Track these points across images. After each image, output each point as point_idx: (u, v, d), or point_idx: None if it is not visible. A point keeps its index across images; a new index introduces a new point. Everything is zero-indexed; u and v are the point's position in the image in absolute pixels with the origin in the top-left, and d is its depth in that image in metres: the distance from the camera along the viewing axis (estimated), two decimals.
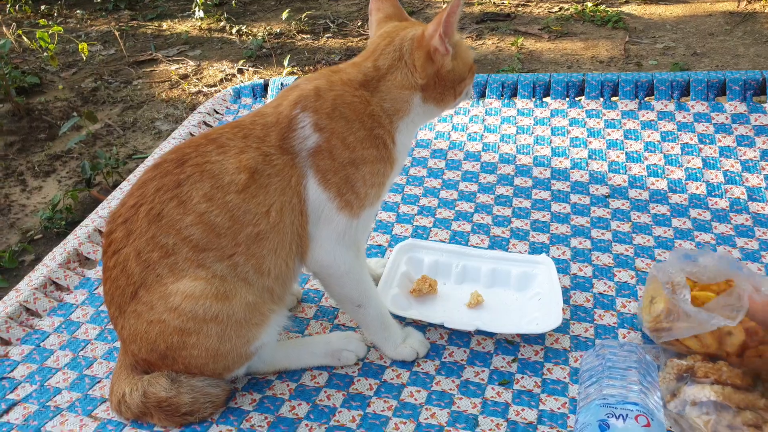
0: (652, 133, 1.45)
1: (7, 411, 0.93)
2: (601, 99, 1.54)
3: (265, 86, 1.78)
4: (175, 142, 1.55)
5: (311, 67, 3.86)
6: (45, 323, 1.09)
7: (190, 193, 0.82)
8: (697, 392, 0.85)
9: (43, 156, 3.17)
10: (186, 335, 0.82)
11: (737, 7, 3.98)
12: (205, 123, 1.65)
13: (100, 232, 1.28)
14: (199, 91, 3.73)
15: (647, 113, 1.49)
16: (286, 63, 3.86)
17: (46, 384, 0.98)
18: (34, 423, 0.91)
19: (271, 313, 0.88)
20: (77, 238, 1.24)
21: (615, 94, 1.54)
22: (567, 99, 1.56)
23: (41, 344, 1.05)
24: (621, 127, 1.47)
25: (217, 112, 1.71)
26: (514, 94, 1.61)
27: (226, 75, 3.89)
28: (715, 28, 3.73)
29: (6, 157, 3.18)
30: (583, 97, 1.56)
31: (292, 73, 3.77)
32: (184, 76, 3.96)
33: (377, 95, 0.89)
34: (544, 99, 1.58)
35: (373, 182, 0.89)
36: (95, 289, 1.16)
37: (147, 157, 3.01)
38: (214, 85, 3.77)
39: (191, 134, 1.59)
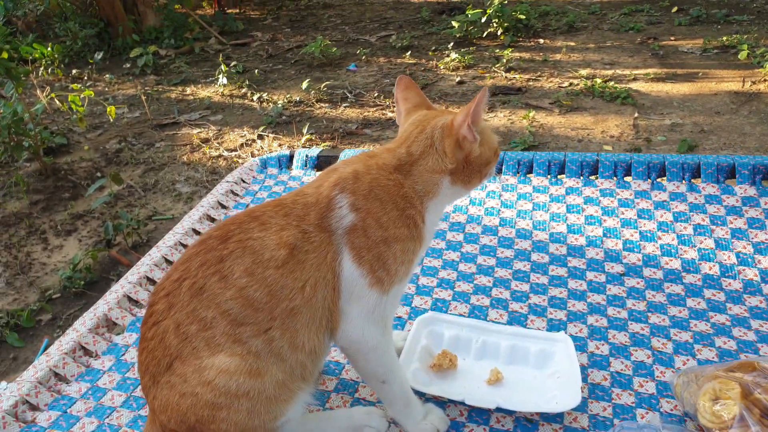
0: (664, 213, 1.49)
1: None
2: (615, 179, 1.59)
3: (291, 157, 1.85)
4: (203, 210, 1.61)
5: (329, 135, 3.99)
6: (73, 389, 1.11)
7: (232, 267, 0.86)
8: None
9: (65, 215, 3.26)
10: (217, 409, 0.84)
11: (742, 87, 4.11)
12: (232, 191, 1.71)
13: (129, 298, 1.32)
14: (220, 155, 3.85)
15: (659, 193, 1.54)
16: (305, 130, 4.00)
17: None
18: None
19: (299, 390, 0.91)
20: (107, 303, 1.28)
21: (628, 174, 1.60)
22: (581, 177, 1.62)
23: (68, 410, 1.07)
24: (634, 207, 1.52)
25: (244, 182, 1.78)
26: (529, 171, 1.67)
27: (247, 140, 4.02)
28: (721, 107, 3.85)
29: (30, 216, 3.27)
30: (596, 176, 1.61)
31: (311, 140, 3.90)
32: (206, 140, 4.10)
33: (410, 178, 0.94)
34: (559, 177, 1.64)
35: (403, 259, 0.93)
36: (122, 355, 1.19)
37: (169, 218, 3.09)
38: (235, 150, 3.90)
39: (219, 202, 1.66)
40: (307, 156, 1.83)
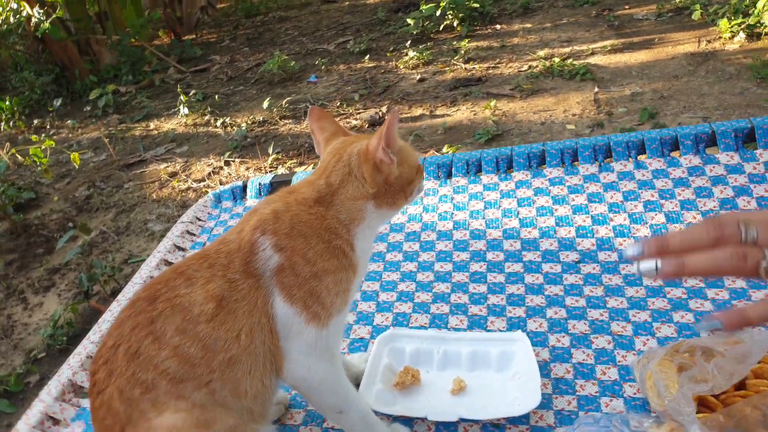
0: (614, 193, 1.50)
1: None
2: (563, 166, 1.60)
3: (244, 187, 1.85)
4: (160, 255, 1.61)
5: (295, 152, 3.98)
6: None
7: (164, 328, 0.85)
8: None
9: (42, 271, 3.24)
10: None
11: (698, 47, 4.14)
12: (188, 232, 1.71)
13: (92, 358, 1.31)
14: (189, 188, 3.84)
15: (608, 175, 1.55)
16: (270, 150, 3.99)
17: None
18: None
19: None
20: (71, 368, 1.27)
21: (575, 159, 1.60)
22: (530, 169, 1.62)
23: None
24: (584, 192, 1.53)
25: (200, 219, 1.77)
26: (479, 170, 1.67)
27: (214, 168, 4.01)
28: (679, 70, 3.88)
29: (6, 277, 3.25)
30: (545, 166, 1.62)
31: (277, 159, 3.89)
32: (173, 174, 4.08)
33: (332, 209, 0.94)
34: (508, 172, 1.65)
35: (337, 290, 0.93)
36: (91, 420, 1.18)
37: (143, 260, 3.08)
38: (203, 180, 3.89)
39: (175, 245, 1.65)
40: (260, 184, 1.82)
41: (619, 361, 1.12)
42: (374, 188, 0.94)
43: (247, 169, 3.88)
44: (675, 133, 1.53)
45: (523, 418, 1.05)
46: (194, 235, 1.72)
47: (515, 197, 1.56)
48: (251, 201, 1.82)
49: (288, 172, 3.72)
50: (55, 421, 1.19)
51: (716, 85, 3.57)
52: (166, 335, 0.85)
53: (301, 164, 3.79)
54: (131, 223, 3.59)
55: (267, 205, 0.95)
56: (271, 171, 3.78)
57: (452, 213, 1.58)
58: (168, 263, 1.61)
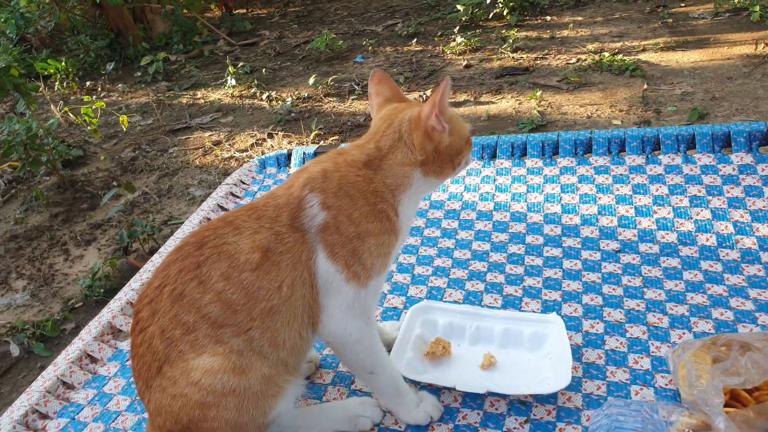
0: (660, 186, 1.47)
1: None
2: (609, 155, 1.58)
3: (289, 155, 1.88)
4: (204, 214, 1.65)
5: (337, 129, 4.01)
6: (80, 396, 1.16)
7: (209, 273, 0.88)
8: None
9: (84, 225, 3.35)
10: (206, 409, 0.87)
11: (755, 50, 3.99)
12: (232, 194, 1.74)
13: (131, 304, 1.36)
14: (231, 156, 3.90)
15: (655, 167, 1.52)
16: (313, 126, 4.02)
17: None
18: None
19: (287, 384, 0.93)
20: (111, 311, 1.32)
21: (622, 150, 1.58)
22: (575, 157, 1.61)
23: (76, 417, 1.11)
24: (629, 182, 1.51)
25: (243, 183, 1.81)
26: (524, 154, 1.66)
27: (257, 140, 4.06)
28: (733, 72, 3.75)
29: (51, 228, 3.36)
30: (591, 154, 1.60)
31: (319, 135, 3.92)
32: (217, 143, 4.15)
33: (380, 173, 0.95)
34: (553, 157, 1.63)
35: (378, 253, 0.94)
36: (127, 360, 1.24)
37: (182, 222, 3.15)
38: (246, 150, 3.95)
39: (219, 206, 1.69)
40: (304, 153, 1.85)
41: (653, 352, 1.11)
42: (423, 156, 0.95)
43: (290, 143, 3.92)
44: (728, 129, 1.50)
45: (551, 398, 1.05)
46: (237, 197, 1.75)
47: (559, 183, 1.55)
48: (294, 169, 1.84)
49: (331, 145, 3.76)
50: (93, 359, 1.25)
51: None
52: (211, 280, 0.88)
53: (342, 142, 3.82)
54: (173, 186, 3.67)
55: (317, 164, 0.96)
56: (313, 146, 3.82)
57: (494, 194, 1.57)
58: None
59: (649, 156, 1.55)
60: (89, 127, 3.99)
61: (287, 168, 1.86)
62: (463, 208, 1.56)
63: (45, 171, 3.73)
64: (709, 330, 1.14)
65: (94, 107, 3.85)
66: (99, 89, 5.73)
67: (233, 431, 0.90)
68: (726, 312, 1.17)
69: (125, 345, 1.27)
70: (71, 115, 4.43)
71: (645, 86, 3.78)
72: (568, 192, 1.53)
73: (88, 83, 5.84)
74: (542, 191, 1.55)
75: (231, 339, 0.88)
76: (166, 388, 0.89)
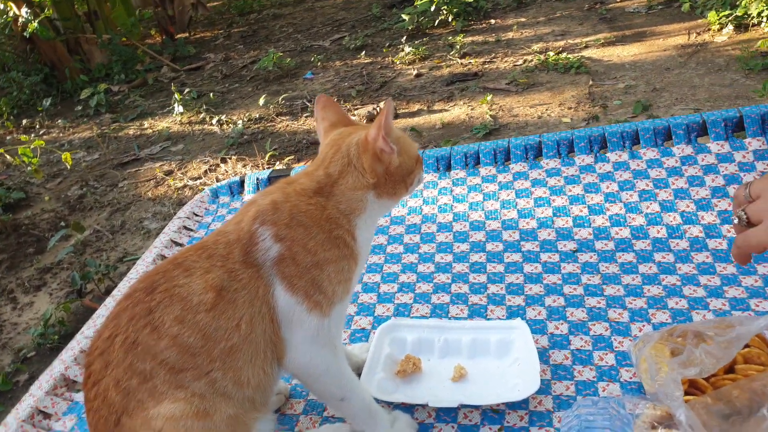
0: (610, 183, 1.51)
1: None
2: (559, 157, 1.61)
3: (242, 182, 1.85)
4: (157, 251, 1.61)
5: (292, 148, 3.98)
6: None
7: (162, 318, 0.86)
8: None
9: (32, 270, 3.23)
10: None
11: (688, 39, 4.16)
12: (185, 227, 1.71)
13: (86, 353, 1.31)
14: (185, 185, 3.83)
15: (604, 165, 1.56)
16: (267, 147, 3.99)
17: None
18: None
19: (255, 422, 0.91)
20: (63, 363, 1.27)
21: (572, 151, 1.62)
22: (527, 161, 1.63)
23: None
24: (581, 182, 1.54)
25: (197, 215, 1.78)
26: (477, 163, 1.68)
27: (210, 166, 4.00)
28: (671, 63, 3.90)
29: None
30: (542, 158, 1.63)
31: (274, 156, 3.89)
32: (169, 173, 4.07)
33: (332, 199, 0.95)
34: (506, 164, 1.66)
35: (339, 279, 0.93)
36: (83, 413, 1.18)
37: (138, 258, 3.07)
38: (199, 177, 3.88)
39: (172, 241, 1.65)
40: (258, 179, 1.83)
41: (616, 347, 1.14)
42: (374, 178, 0.95)
43: (244, 166, 3.88)
44: (668, 123, 1.55)
45: (523, 404, 1.06)
46: (191, 230, 1.72)
47: (513, 188, 1.58)
48: (248, 196, 1.82)
49: (285, 168, 3.73)
50: (46, 415, 1.19)
51: (707, 77, 3.59)
52: (165, 325, 0.86)
53: (298, 161, 3.80)
54: (126, 221, 3.57)
55: (265, 196, 0.95)
56: (268, 168, 3.78)
57: (452, 205, 1.58)
58: (164, 258, 1.61)
59: (597, 154, 1.59)
60: (29, 168, 3.85)
61: (241, 195, 1.83)
62: (424, 221, 1.56)
63: None
64: (666, 320, 1.17)
65: (32, 146, 3.72)
66: (37, 126, 5.55)
67: None
68: (681, 301, 1.20)
69: (81, 397, 1.22)
70: (8, 156, 4.27)
71: (590, 82, 3.89)
72: (522, 197, 1.55)
73: (24, 121, 5.65)
74: (498, 198, 1.57)
75: (192, 383, 0.86)
76: None
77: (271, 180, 1.82)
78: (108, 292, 2.87)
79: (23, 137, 4.72)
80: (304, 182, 0.95)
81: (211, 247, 0.91)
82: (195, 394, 0.85)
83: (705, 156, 1.47)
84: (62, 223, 3.64)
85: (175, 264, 0.90)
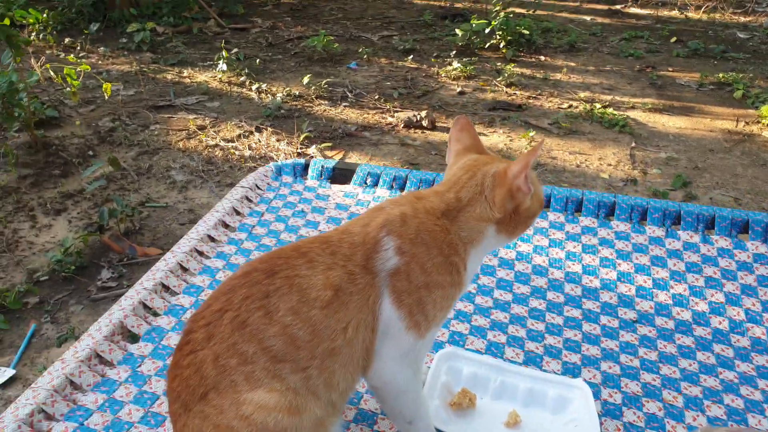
0: (677, 261, 1.52)
1: None
2: (630, 222, 1.62)
3: (306, 167, 1.84)
4: (218, 215, 1.59)
5: (328, 135, 3.96)
6: (89, 399, 1.09)
7: (278, 305, 0.85)
8: None
9: (55, 193, 3.18)
10: None
11: (735, 126, 4.20)
12: (247, 198, 1.69)
13: (144, 305, 1.29)
14: (216, 145, 3.80)
15: (673, 242, 1.57)
16: (304, 127, 3.96)
17: None
18: None
19: (332, 427, 0.90)
20: (123, 310, 1.25)
21: (643, 219, 1.62)
22: (597, 218, 1.64)
23: (85, 423, 1.04)
24: (648, 253, 1.54)
25: (259, 188, 1.76)
26: (546, 206, 1.68)
27: (244, 131, 3.97)
28: (715, 145, 3.93)
29: (18, 191, 3.18)
30: (612, 218, 1.63)
31: (309, 138, 3.87)
32: (202, 128, 4.04)
33: (456, 224, 0.94)
34: (575, 214, 1.66)
35: (442, 305, 0.93)
36: (138, 366, 1.17)
37: (162, 206, 3.04)
38: (232, 141, 3.85)
39: (234, 209, 1.63)
40: (323, 167, 1.82)
41: (669, 431, 1.14)
42: (501, 213, 0.95)
43: (278, 140, 3.85)
44: (747, 216, 1.56)
45: None
46: (252, 202, 1.70)
47: (580, 242, 1.58)
48: (311, 181, 1.81)
49: (321, 155, 3.70)
50: (102, 360, 1.18)
51: (750, 168, 3.63)
52: (279, 312, 0.85)
53: (332, 149, 3.78)
54: (153, 166, 3.53)
55: (395, 206, 0.94)
56: (301, 148, 3.76)
57: (516, 243, 1.58)
58: (225, 225, 1.59)
59: (669, 229, 1.59)
60: (68, 89, 3.80)
61: (303, 179, 1.82)
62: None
63: (17, 128, 3.52)
64: (722, 416, 1.17)
65: (78, 69, 3.66)
66: (78, 48, 5.48)
67: None
68: (737, 399, 1.21)
69: (136, 349, 1.21)
70: (51, 72, 4.21)
71: (633, 144, 3.91)
72: (589, 253, 1.55)
73: (66, 39, 5.58)
74: (563, 247, 1.57)
75: (288, 376, 0.85)
76: (209, 415, 0.84)
77: (335, 171, 1.81)
78: (127, 233, 2.84)
79: (71, 57, 4.66)
80: (433, 201, 0.95)
81: (336, 244, 0.91)
82: (290, 389, 0.85)
83: None
84: (90, 152, 3.59)
85: (300, 253, 0.89)
